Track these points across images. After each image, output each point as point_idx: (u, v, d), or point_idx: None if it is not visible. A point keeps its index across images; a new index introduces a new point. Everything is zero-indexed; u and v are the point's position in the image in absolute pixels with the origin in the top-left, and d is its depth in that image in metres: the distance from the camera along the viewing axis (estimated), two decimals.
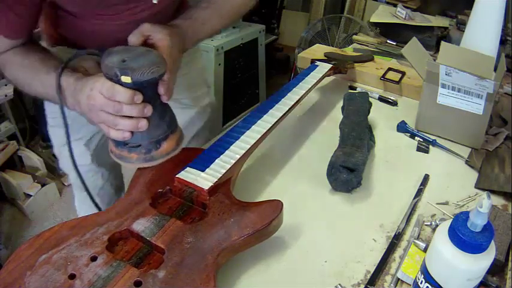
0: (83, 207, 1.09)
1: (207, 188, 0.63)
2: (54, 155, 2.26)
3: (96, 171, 0.98)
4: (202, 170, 0.66)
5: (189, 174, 0.66)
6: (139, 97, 0.60)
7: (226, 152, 0.70)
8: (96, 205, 0.74)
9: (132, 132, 0.63)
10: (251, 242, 0.59)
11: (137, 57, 0.60)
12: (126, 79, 0.59)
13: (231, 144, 0.72)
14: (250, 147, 0.71)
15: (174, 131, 0.68)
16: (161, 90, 0.64)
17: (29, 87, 0.73)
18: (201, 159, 0.69)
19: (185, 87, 1.02)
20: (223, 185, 0.66)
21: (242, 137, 0.73)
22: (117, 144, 0.66)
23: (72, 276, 0.51)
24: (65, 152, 0.91)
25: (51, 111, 0.93)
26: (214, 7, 0.81)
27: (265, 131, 0.75)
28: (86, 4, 0.72)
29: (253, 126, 0.76)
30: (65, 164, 1.00)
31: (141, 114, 0.62)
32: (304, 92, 0.86)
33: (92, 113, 0.63)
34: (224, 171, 0.66)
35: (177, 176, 0.66)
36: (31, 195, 1.99)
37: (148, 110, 0.62)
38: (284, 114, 0.80)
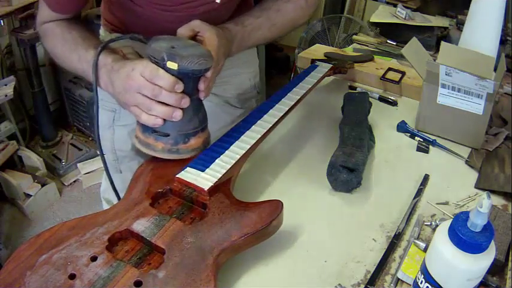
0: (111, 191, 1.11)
1: (207, 188, 0.63)
2: (54, 155, 2.28)
3: (132, 157, 0.99)
4: (202, 170, 0.66)
5: (189, 174, 0.66)
6: (180, 86, 0.61)
7: (227, 152, 0.70)
8: (116, 191, 0.75)
9: (164, 121, 0.63)
10: (251, 242, 0.59)
11: (186, 46, 0.60)
12: (172, 65, 0.58)
13: (231, 144, 0.72)
14: (250, 147, 0.71)
15: (203, 130, 0.68)
16: (201, 86, 0.64)
17: (64, 60, 0.74)
18: (201, 159, 0.69)
19: (233, 86, 1.02)
20: (223, 185, 0.66)
21: (242, 137, 0.73)
22: (144, 130, 0.66)
23: (72, 276, 0.51)
24: (108, 135, 0.93)
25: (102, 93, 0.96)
26: (266, 17, 0.81)
27: (265, 131, 0.75)
28: None
29: (253, 126, 0.76)
30: (104, 145, 1.02)
31: (178, 104, 0.62)
32: (304, 92, 0.86)
33: (128, 94, 0.63)
34: (224, 171, 0.66)
35: (177, 176, 0.66)
36: (31, 195, 1.99)
37: (186, 101, 0.62)
38: (284, 114, 0.79)
